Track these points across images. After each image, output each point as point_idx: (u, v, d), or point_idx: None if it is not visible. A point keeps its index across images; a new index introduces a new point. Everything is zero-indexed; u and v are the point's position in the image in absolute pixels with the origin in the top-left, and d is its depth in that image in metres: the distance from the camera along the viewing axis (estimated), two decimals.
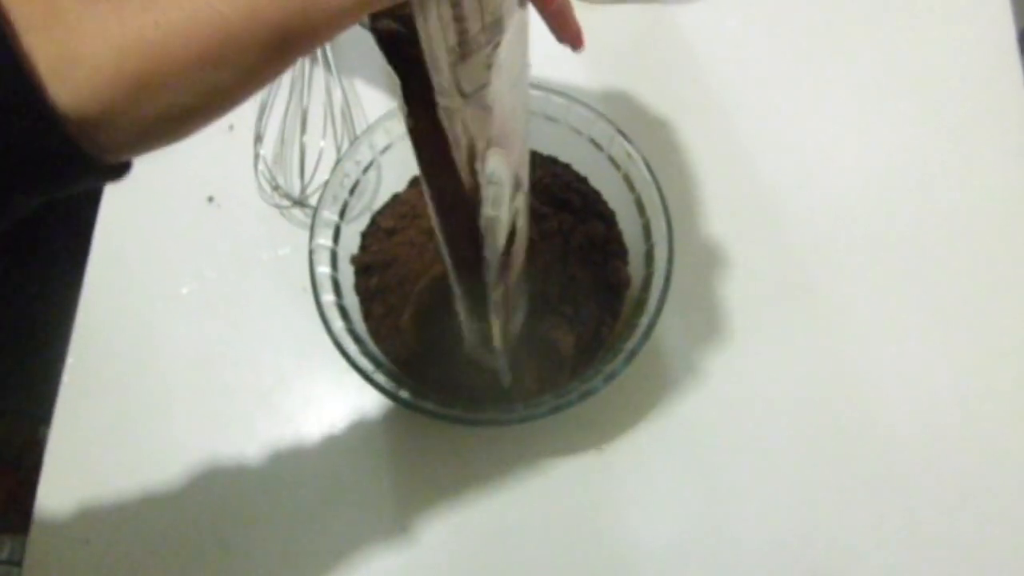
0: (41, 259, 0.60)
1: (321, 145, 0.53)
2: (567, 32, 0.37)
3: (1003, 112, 0.53)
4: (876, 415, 0.46)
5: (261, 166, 0.52)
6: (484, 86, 0.27)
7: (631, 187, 0.45)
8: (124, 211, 0.53)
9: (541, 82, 0.46)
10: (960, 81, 0.54)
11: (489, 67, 0.26)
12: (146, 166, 0.54)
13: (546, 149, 0.49)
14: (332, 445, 0.47)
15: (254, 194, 0.53)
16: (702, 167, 0.52)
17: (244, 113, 0.54)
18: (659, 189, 0.43)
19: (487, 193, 0.30)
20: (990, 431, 0.46)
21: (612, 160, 0.45)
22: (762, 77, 0.55)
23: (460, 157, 0.29)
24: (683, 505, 0.45)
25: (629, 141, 0.45)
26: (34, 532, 0.45)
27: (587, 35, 0.56)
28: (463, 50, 0.25)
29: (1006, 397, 0.46)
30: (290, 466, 0.46)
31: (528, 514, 0.45)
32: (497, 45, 0.26)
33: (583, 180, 0.48)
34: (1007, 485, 0.45)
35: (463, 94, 0.26)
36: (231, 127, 0.55)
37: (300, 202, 0.51)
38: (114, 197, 0.53)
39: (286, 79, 0.54)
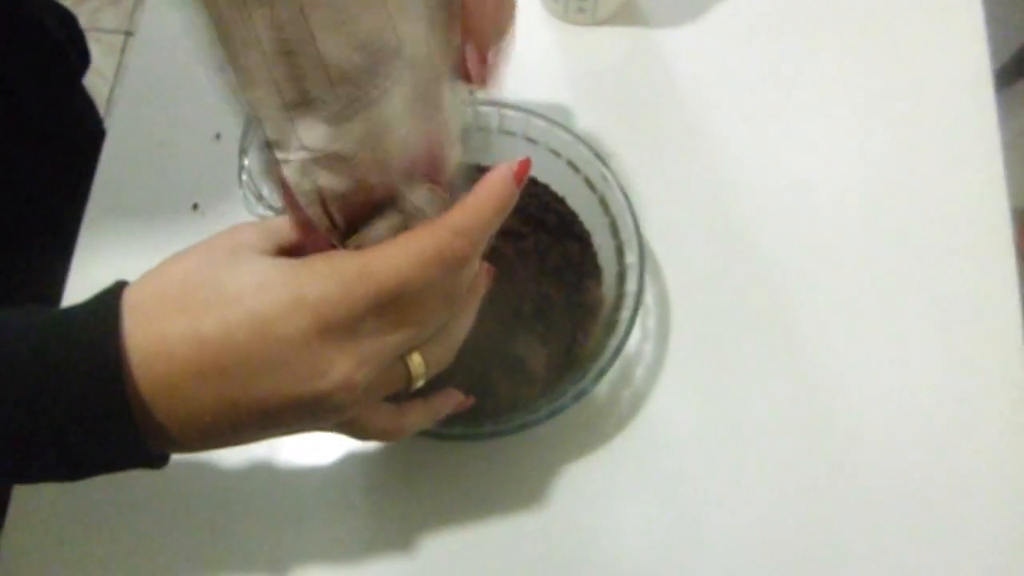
0: (23, 264, 0.60)
1: None
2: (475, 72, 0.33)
3: (979, 142, 0.54)
4: (849, 435, 0.47)
5: (245, 176, 0.53)
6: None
7: (606, 210, 0.46)
8: (110, 215, 0.54)
9: (522, 103, 0.47)
10: (938, 109, 0.56)
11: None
12: (134, 172, 0.55)
13: None
14: (308, 460, 0.47)
15: (238, 203, 0.53)
16: (680, 190, 0.53)
17: (231, 122, 0.54)
18: (633, 213, 0.45)
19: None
20: (966, 449, 0.47)
21: (588, 182, 0.46)
22: (742, 102, 0.56)
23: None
24: (654, 521, 0.45)
25: (605, 164, 0.46)
26: (7, 532, 0.46)
27: (569, 57, 0.58)
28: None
29: (981, 413, 0.47)
30: (270, 478, 0.47)
31: (497, 529, 0.45)
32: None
33: (560, 201, 0.49)
34: (981, 506, 0.46)
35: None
36: (218, 136, 0.55)
37: (283, 213, 0.52)
38: (100, 201, 0.54)
39: None
